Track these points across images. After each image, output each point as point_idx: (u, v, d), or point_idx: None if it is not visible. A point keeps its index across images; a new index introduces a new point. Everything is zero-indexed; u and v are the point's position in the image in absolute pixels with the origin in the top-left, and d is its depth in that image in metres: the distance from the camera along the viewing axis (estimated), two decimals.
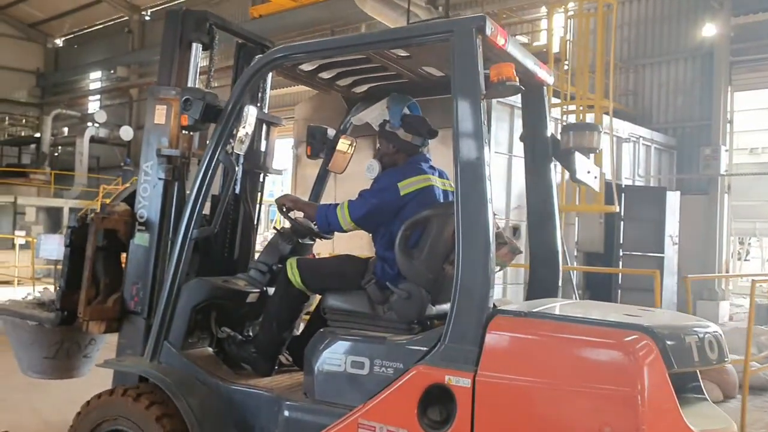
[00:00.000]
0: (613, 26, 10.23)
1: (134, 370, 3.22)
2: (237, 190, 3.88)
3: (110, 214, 3.48)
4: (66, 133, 24.20)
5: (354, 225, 3.00)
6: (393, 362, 2.66)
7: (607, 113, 9.87)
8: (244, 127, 3.07)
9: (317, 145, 3.77)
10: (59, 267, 3.71)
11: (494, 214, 2.84)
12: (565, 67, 10.56)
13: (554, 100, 9.63)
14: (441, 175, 3.14)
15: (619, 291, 10.91)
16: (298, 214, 3.41)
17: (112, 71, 25.57)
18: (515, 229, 9.43)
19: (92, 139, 22.32)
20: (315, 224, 3.23)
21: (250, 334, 3.47)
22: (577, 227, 10.81)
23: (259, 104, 3.90)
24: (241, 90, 3.09)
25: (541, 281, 3.24)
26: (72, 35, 27.30)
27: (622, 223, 10.98)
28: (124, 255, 3.61)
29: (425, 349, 2.59)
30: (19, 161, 24.38)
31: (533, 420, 2.34)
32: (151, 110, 3.50)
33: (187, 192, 3.35)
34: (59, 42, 28.00)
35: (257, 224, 4.00)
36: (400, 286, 2.84)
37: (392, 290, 2.85)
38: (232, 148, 3.13)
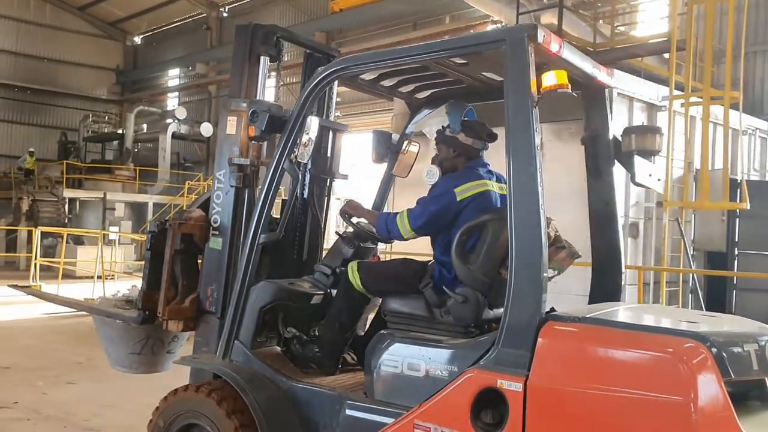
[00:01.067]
0: (745, 9, 9.78)
1: (207, 367, 3.53)
2: (305, 195, 4.14)
3: (187, 220, 3.81)
4: (145, 130, 25.49)
5: (414, 233, 3.19)
6: (447, 365, 2.83)
7: (733, 107, 9.46)
8: (307, 135, 3.31)
9: (381, 149, 3.98)
10: None
11: (550, 219, 2.96)
12: (665, 56, 10.18)
13: (676, 92, 9.37)
14: (499, 179, 3.27)
15: (735, 292, 10.48)
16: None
17: (190, 68, 26.72)
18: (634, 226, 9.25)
19: (173, 135, 23.41)
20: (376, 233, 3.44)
21: (316, 333, 3.72)
22: (694, 225, 10.50)
23: (325, 112, 4.15)
24: (303, 101, 3.33)
25: (603, 285, 3.32)
26: (150, 33, 28.72)
27: (737, 220, 10.55)
28: (201, 258, 3.95)
29: (479, 353, 2.74)
30: (102, 157, 25.79)
31: (584, 427, 2.45)
32: (223, 121, 3.80)
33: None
34: (138, 40, 29.52)
35: (325, 228, 4.24)
36: (457, 290, 3.00)
37: (449, 294, 3.01)
38: (296, 156, 3.38)
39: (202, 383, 3.46)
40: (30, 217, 20.33)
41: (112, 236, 16.31)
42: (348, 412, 3.09)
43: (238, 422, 3.19)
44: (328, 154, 4.18)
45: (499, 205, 3.17)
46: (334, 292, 3.63)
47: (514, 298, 2.66)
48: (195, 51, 26.38)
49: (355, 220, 3.59)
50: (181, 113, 23.68)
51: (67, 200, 21.24)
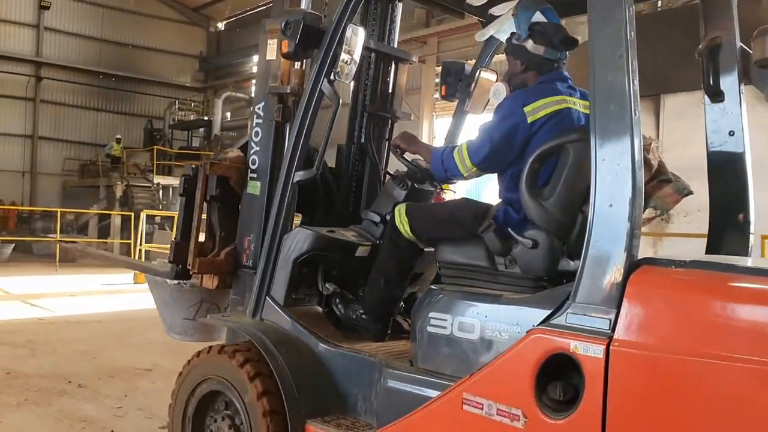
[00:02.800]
0: None
1: (230, 325, 3.21)
2: (362, 139, 3.73)
3: (221, 161, 3.49)
4: (229, 117, 25.59)
5: (476, 170, 2.67)
6: (509, 325, 2.33)
7: None
8: (349, 53, 2.88)
9: (453, 82, 3.52)
10: None
11: (650, 140, 2.39)
12: None
13: None
14: (584, 96, 2.70)
15: None
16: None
17: None
18: None
19: None
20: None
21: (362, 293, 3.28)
22: None
23: (386, 37, 3.70)
24: (344, 8, 2.90)
25: (724, 239, 2.68)
26: (234, 18, 28.89)
27: None
28: None
29: (549, 309, 2.22)
30: (188, 144, 26.04)
31: (687, 404, 1.87)
32: (262, 47, 3.46)
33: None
34: (221, 25, 29.75)
35: (384, 176, 3.80)
36: (526, 233, 2.47)
37: (515, 238, 2.48)
38: (337, 76, 2.96)
39: (227, 345, 3.12)
40: (124, 203, 21.08)
41: None
42: (388, 382, 2.64)
43: (261, 388, 2.81)
44: (389, 90, 3.74)
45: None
46: None
47: (596, 239, 2.11)
48: None
49: (409, 156, 3.13)
50: None
51: (160, 186, 21.86)
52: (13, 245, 18.12)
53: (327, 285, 3.17)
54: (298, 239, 3.09)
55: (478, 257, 2.61)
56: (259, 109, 3.45)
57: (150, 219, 18.82)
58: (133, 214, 17.97)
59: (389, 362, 2.69)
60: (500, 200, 2.71)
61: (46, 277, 13.58)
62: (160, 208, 21.34)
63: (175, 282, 3.81)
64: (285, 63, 3.38)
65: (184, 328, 3.98)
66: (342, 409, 2.85)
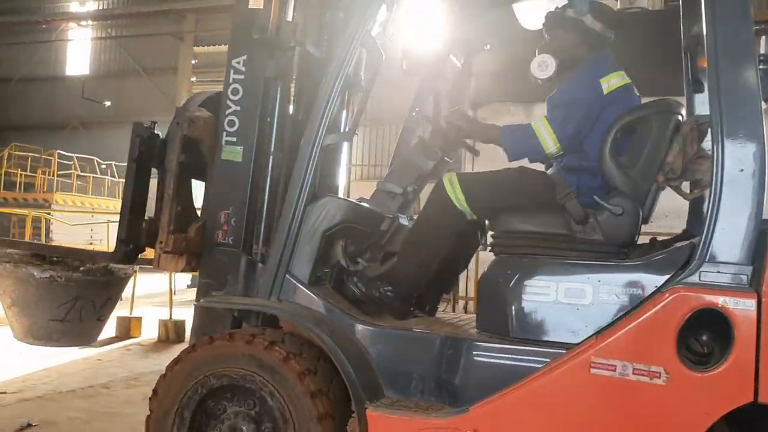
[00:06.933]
0: None
1: (255, 308, 2.69)
2: None
3: (195, 120, 2.87)
4: None
5: (559, 147, 2.55)
6: (627, 288, 2.31)
7: None
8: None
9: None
10: None
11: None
12: None
13: None
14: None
15: None
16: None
17: None
18: None
19: None
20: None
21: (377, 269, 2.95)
22: None
23: None
24: None
25: None
26: None
27: None
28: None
29: (668, 272, 2.27)
30: None
31: None
32: None
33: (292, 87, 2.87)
34: None
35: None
36: (611, 200, 2.48)
37: (601, 205, 2.47)
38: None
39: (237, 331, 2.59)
40: None
41: None
42: (475, 357, 2.44)
43: (300, 368, 2.40)
44: None
45: None
46: (402, 218, 2.95)
47: (727, 202, 2.20)
48: None
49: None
50: None
51: None
52: None
53: (356, 260, 2.80)
54: (329, 209, 2.68)
55: (555, 225, 2.53)
56: (238, 63, 2.91)
57: None
58: None
59: (472, 336, 2.49)
60: (560, 169, 2.68)
61: None
62: None
63: (46, 276, 3.10)
64: (275, 13, 2.91)
65: (50, 332, 3.24)
66: (391, 392, 2.56)
